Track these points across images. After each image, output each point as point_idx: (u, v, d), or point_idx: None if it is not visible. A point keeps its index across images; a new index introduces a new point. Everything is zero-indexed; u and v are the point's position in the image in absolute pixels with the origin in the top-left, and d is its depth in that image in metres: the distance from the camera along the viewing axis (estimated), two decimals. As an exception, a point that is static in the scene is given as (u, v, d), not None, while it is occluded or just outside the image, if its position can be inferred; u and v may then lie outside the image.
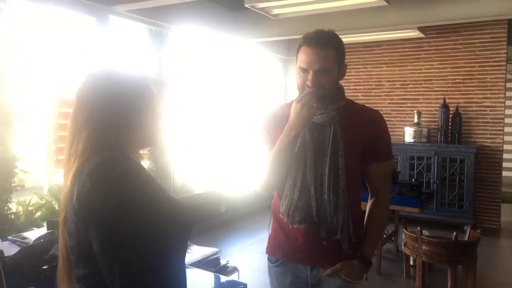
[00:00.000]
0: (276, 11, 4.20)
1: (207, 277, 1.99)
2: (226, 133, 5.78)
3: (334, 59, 1.42)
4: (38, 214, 3.83)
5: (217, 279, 2.00)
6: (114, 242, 0.87)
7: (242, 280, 2.12)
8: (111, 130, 0.97)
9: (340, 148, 1.43)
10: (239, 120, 5.94)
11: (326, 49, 1.40)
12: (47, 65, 3.75)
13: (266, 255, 1.64)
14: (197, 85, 5.40)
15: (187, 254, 1.60)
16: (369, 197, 1.60)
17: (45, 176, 4.12)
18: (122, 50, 4.29)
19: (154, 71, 4.51)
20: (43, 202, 3.91)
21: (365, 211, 1.61)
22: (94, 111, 0.96)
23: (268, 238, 1.64)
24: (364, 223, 1.59)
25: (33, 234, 2.39)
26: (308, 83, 1.41)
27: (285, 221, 1.48)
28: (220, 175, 5.79)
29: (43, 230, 2.60)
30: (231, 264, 2.45)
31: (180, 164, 5.24)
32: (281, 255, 1.56)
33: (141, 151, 1.11)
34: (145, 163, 1.01)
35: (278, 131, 1.49)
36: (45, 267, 1.85)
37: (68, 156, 0.97)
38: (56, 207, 3.84)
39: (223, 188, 5.67)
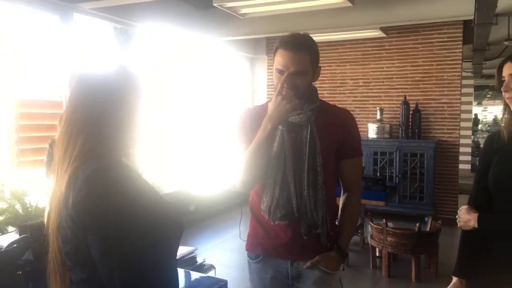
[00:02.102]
0: (244, 11, 4.24)
1: (187, 275, 2.01)
2: (194, 131, 5.77)
3: (309, 62, 1.48)
4: (2, 218, 3.68)
5: (195, 276, 2.03)
6: (113, 248, 0.88)
7: (218, 277, 2.15)
8: (106, 134, 0.97)
9: (318, 147, 1.49)
10: (207, 118, 5.94)
11: (301, 52, 1.46)
12: (7, 64, 3.61)
13: (246, 252, 1.68)
14: (165, 83, 5.35)
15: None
16: (342, 192, 1.67)
17: (6, 179, 3.97)
18: (87, 48, 4.19)
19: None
20: (6, 206, 3.76)
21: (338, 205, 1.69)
22: (91, 118, 0.96)
23: (247, 236, 1.68)
24: (338, 217, 1.66)
25: (1, 240, 2.32)
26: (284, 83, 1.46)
27: (266, 218, 1.52)
28: (189, 174, 5.78)
29: (11, 235, 2.53)
30: (207, 262, 2.48)
31: (149, 163, 5.18)
32: (261, 251, 1.61)
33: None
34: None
35: (254, 131, 1.52)
36: (19, 272, 1.81)
37: (62, 161, 0.96)
38: (20, 211, 3.71)
39: (192, 187, 5.66)
